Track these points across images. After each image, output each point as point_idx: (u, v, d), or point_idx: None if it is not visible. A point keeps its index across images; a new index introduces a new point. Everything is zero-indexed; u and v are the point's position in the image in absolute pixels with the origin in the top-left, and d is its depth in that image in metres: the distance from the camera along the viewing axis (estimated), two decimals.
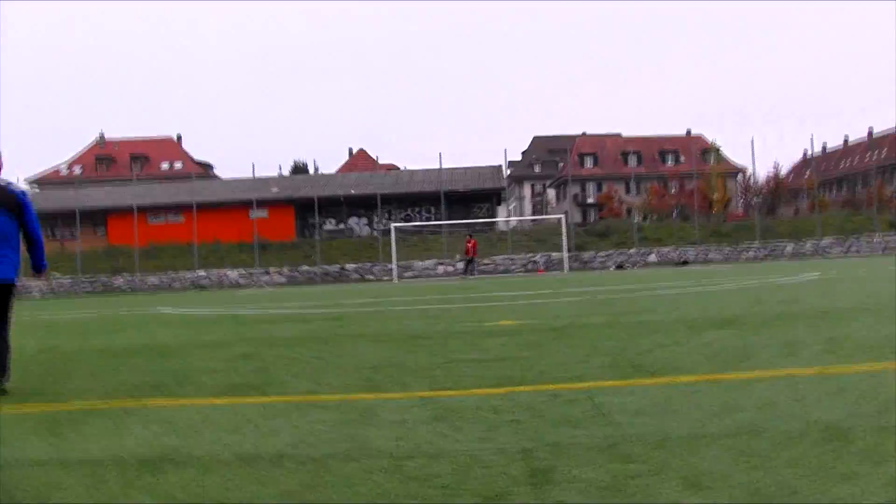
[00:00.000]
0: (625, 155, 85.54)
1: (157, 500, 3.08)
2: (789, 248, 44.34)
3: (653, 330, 8.39)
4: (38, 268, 6.29)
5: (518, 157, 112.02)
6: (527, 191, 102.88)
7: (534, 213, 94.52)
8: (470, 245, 37.99)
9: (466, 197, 53.29)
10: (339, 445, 3.85)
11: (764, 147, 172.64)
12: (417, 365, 6.59)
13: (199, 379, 6.34)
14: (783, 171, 72.02)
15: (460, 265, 43.14)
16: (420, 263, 43.77)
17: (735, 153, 79.41)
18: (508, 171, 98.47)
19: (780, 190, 66.95)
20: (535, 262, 43.73)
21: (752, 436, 3.67)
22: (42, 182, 78.24)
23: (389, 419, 4.43)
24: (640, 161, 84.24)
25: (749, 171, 68.53)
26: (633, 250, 44.37)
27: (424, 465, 3.43)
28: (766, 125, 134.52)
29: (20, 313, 7.26)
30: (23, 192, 6.07)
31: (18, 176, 62.58)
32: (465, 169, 57.98)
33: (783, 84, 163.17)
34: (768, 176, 68.65)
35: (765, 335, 7.43)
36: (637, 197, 70.14)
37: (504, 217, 61.20)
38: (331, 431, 4.17)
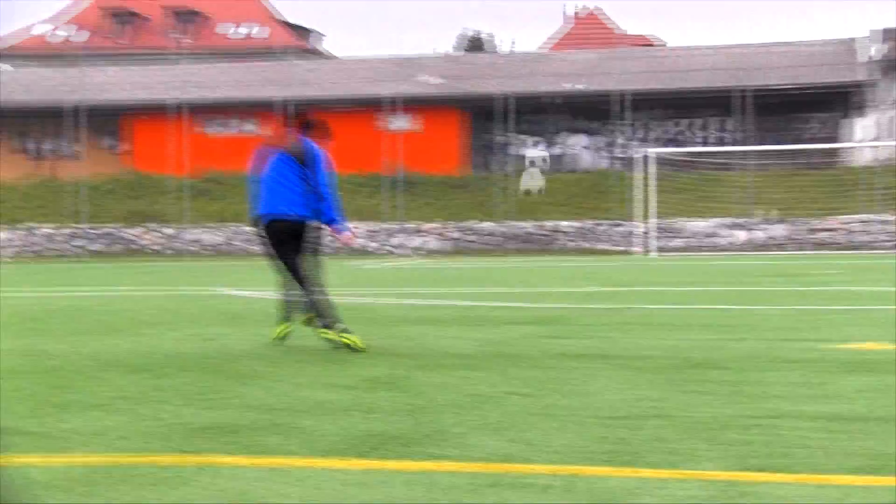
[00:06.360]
0: None
1: None
2: None
3: None
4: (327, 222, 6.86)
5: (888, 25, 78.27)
6: None
7: None
8: None
9: (788, 100, 32.51)
10: None
11: None
12: (704, 419, 4.24)
13: (301, 424, 4.18)
14: None
15: (778, 227, 29.12)
16: (694, 224, 29.73)
17: None
18: (872, 54, 53.20)
19: None
20: None
21: None
22: (12, 54, 48.90)
23: None
24: None
25: None
26: None
27: None
28: None
29: None
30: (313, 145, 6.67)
31: None
32: (785, 47, 35.73)
33: None
34: None
35: None
36: None
37: (860, 140, 33.80)
38: None
